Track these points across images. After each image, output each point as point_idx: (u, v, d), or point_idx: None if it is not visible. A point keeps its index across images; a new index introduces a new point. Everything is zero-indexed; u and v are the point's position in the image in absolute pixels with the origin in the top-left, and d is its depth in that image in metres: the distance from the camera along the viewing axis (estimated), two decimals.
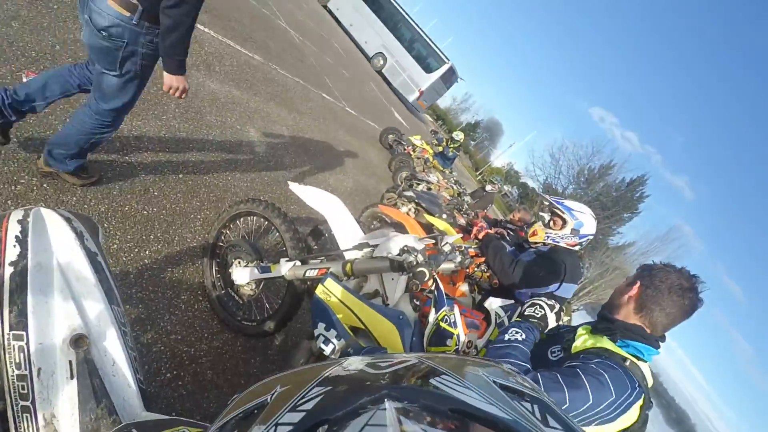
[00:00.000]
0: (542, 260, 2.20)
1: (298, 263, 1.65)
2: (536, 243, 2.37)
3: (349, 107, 8.10)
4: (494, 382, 0.41)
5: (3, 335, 0.62)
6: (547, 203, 2.35)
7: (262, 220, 1.93)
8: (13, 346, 0.62)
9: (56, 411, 0.61)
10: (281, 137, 4.24)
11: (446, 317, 1.44)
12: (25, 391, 0.61)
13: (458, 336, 1.40)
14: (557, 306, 1.29)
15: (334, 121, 6.49)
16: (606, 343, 1.17)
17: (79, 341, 0.66)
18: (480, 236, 2.42)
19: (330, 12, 16.69)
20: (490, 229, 2.71)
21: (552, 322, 1.26)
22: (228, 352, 1.88)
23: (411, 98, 16.80)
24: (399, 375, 0.40)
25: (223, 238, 2.04)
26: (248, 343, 1.99)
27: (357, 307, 1.41)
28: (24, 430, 0.59)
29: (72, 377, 0.63)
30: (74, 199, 1.84)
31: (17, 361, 0.62)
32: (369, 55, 16.90)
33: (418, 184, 6.35)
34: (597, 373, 1.05)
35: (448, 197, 5.95)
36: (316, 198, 1.80)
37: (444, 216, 4.24)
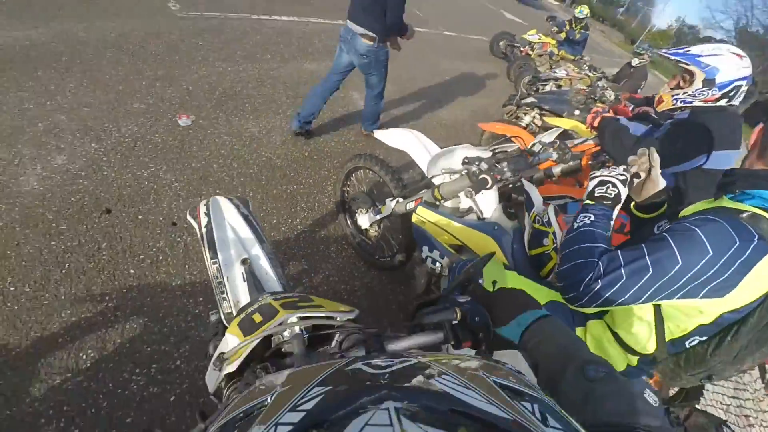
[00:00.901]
0: (675, 129, 1.83)
1: (400, 199, 1.89)
2: (670, 112, 2.01)
3: (447, 30, 7.64)
4: (494, 382, 0.40)
5: (208, 262, 1.14)
6: (670, 58, 1.94)
7: (367, 170, 2.23)
8: (213, 267, 1.13)
9: (238, 297, 1.07)
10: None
11: (538, 217, 1.49)
12: (222, 290, 1.10)
13: (554, 233, 1.43)
14: (627, 174, 1.16)
15: (433, 52, 6.29)
16: (721, 201, 0.97)
17: (244, 261, 1.12)
18: (595, 124, 2.17)
19: None
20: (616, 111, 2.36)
21: (624, 194, 1.15)
22: (377, 285, 2.30)
23: None
24: (399, 375, 0.40)
25: (345, 194, 2.43)
26: (389, 276, 2.38)
27: (450, 227, 1.58)
28: (223, 308, 1.08)
29: (244, 281, 1.09)
30: (240, 190, 2.48)
31: (216, 274, 1.12)
32: None
33: (544, 85, 5.72)
34: (685, 230, 0.90)
35: (585, 88, 5.23)
36: (395, 137, 1.97)
37: (577, 112, 3.83)
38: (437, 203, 1.73)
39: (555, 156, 1.73)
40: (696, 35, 34.48)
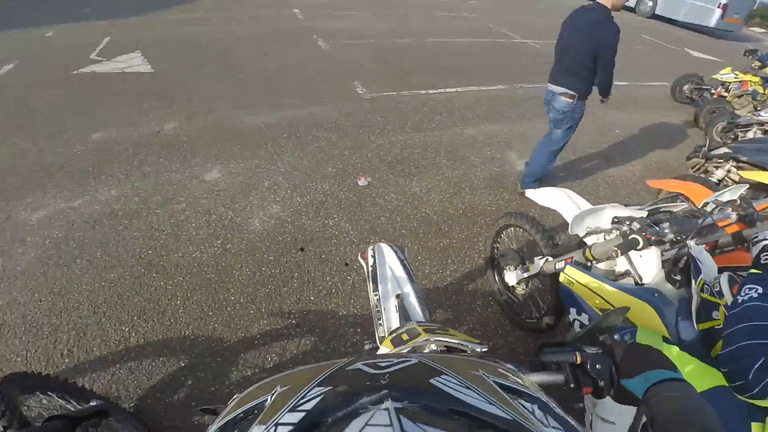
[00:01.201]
0: None
1: (550, 258, 1.88)
2: None
3: (617, 80, 7.15)
4: (494, 382, 0.40)
5: (371, 293, 1.37)
6: None
7: (517, 228, 2.29)
8: (374, 298, 1.36)
9: (391, 324, 1.27)
10: None
11: (707, 286, 1.30)
12: (379, 317, 1.31)
13: (726, 306, 1.24)
14: None
15: (598, 104, 5.96)
16: None
17: (398, 296, 1.33)
18: None
19: None
20: None
21: None
22: (520, 346, 2.25)
23: (712, 22, 12.52)
24: (399, 375, 0.40)
25: (495, 250, 2.51)
26: (535, 338, 2.29)
27: (601, 289, 1.50)
28: (378, 332, 1.28)
29: (396, 311, 1.28)
30: (401, 241, 2.81)
31: (376, 304, 1.34)
32: (632, 5, 14.29)
33: (745, 132, 4.77)
34: None
35: None
36: (547, 196, 1.99)
37: None
38: (589, 264, 1.68)
39: (734, 217, 1.51)
40: None
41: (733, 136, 4.74)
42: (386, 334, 1.30)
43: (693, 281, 1.36)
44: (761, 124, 4.64)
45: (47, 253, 2.67)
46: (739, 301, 0.97)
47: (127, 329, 2.24)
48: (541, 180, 3.47)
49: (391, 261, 1.48)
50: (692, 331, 1.33)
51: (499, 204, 3.38)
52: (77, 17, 7.94)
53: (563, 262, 1.74)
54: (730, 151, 3.41)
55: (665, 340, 1.27)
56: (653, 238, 1.34)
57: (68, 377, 1.98)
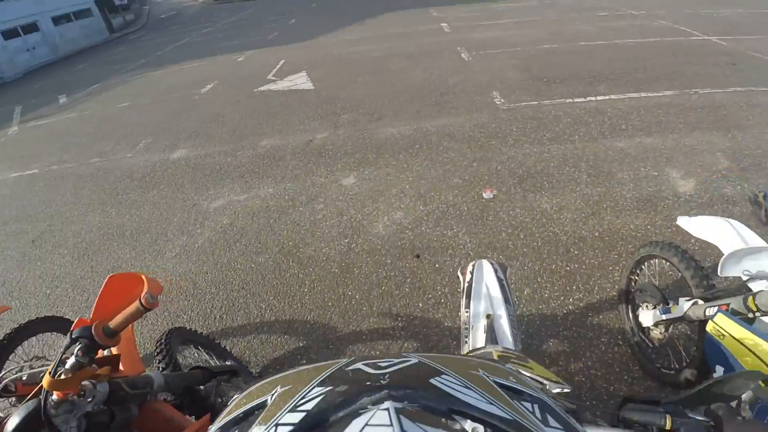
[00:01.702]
0: None
1: (700, 301, 1.55)
2: None
3: None
4: (494, 382, 0.40)
5: (462, 309, 1.38)
6: None
7: (663, 260, 1.94)
8: (464, 314, 1.36)
9: (476, 342, 1.26)
10: (714, 168, 3.62)
11: None
12: (466, 335, 1.31)
13: None
14: None
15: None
16: None
17: (488, 316, 1.31)
18: None
19: None
20: None
21: None
22: None
23: None
24: (399, 375, 0.40)
25: (633, 283, 2.17)
26: (668, 392, 1.90)
27: (758, 349, 1.17)
28: (462, 350, 1.28)
29: (484, 332, 1.26)
30: (520, 260, 2.66)
31: (465, 321, 1.34)
32: None
33: None
34: None
35: None
36: (704, 227, 1.63)
37: None
38: (751, 315, 1.34)
39: None
40: None
41: None
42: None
43: None
44: None
45: (217, 235, 3.35)
46: None
47: (264, 306, 2.67)
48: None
49: (489, 279, 1.45)
50: None
51: (647, 229, 2.89)
52: (263, 44, 9.72)
53: (716, 308, 1.43)
54: None
55: None
56: None
57: (216, 338, 2.48)
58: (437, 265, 2.71)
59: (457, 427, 0.32)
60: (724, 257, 1.33)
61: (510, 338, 1.25)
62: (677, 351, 1.83)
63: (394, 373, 0.41)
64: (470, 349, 1.26)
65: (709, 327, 1.37)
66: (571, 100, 4.85)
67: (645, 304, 1.92)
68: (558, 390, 0.87)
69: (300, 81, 6.68)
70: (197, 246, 3.28)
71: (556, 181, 3.43)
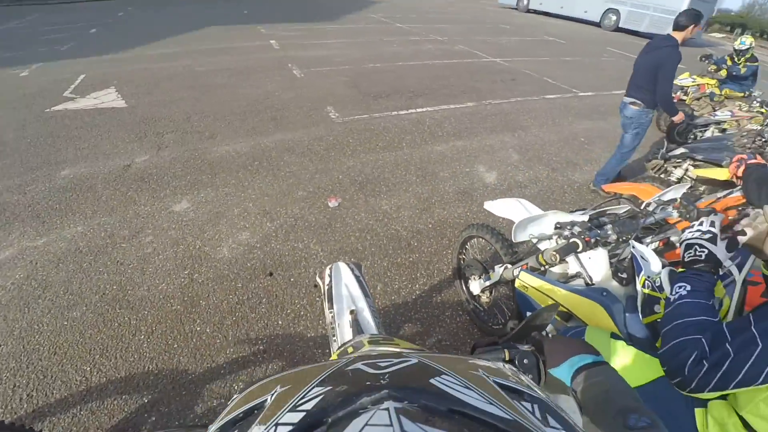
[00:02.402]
0: None
1: (508, 266, 1.91)
2: None
3: (582, 91, 7.43)
4: (494, 382, 0.41)
5: (326, 311, 1.39)
6: None
7: (480, 239, 2.32)
8: (329, 316, 1.37)
9: (344, 339, 1.26)
10: (508, 161, 4.53)
11: (648, 282, 1.34)
12: (334, 333, 1.32)
13: (667, 299, 1.27)
14: (715, 229, 1.00)
15: (567, 114, 6.15)
16: None
17: (352, 312, 1.34)
18: (739, 173, 1.85)
19: (534, 11, 16.32)
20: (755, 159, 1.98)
21: (722, 253, 0.99)
22: None
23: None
24: (399, 375, 0.40)
25: (461, 261, 2.53)
26: None
27: (554, 292, 1.53)
28: (333, 348, 1.26)
29: (350, 327, 1.28)
30: (370, 259, 2.82)
31: (331, 321, 1.36)
32: (597, 20, 15.17)
33: (703, 132, 4.97)
34: None
35: (756, 127, 4.36)
36: (502, 207, 2.04)
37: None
38: (543, 269, 1.71)
39: (675, 215, 1.56)
40: None
41: (692, 137, 4.94)
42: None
43: (636, 278, 1.40)
44: (718, 123, 4.85)
45: (9, 295, 2.61)
46: (671, 300, 1.01)
47: (88, 368, 2.18)
48: (610, 180, 3.94)
49: (347, 278, 1.50)
50: (639, 326, 1.36)
51: (467, 216, 3.42)
52: (55, 56, 8.01)
53: (519, 268, 1.77)
54: (687, 150, 3.55)
55: (613, 336, 1.30)
56: (593, 240, 1.38)
57: (27, 423, 1.92)
58: (292, 279, 2.66)
59: (457, 427, 0.32)
60: (514, 227, 1.66)
61: (374, 327, 1.33)
62: (501, 309, 2.21)
63: (393, 373, 0.41)
64: (339, 345, 1.27)
65: (517, 284, 1.70)
66: (397, 113, 5.41)
67: (473, 277, 2.26)
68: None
69: (108, 98, 5.72)
70: None
71: (392, 184, 3.76)
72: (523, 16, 17.12)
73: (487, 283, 2.06)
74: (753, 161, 1.79)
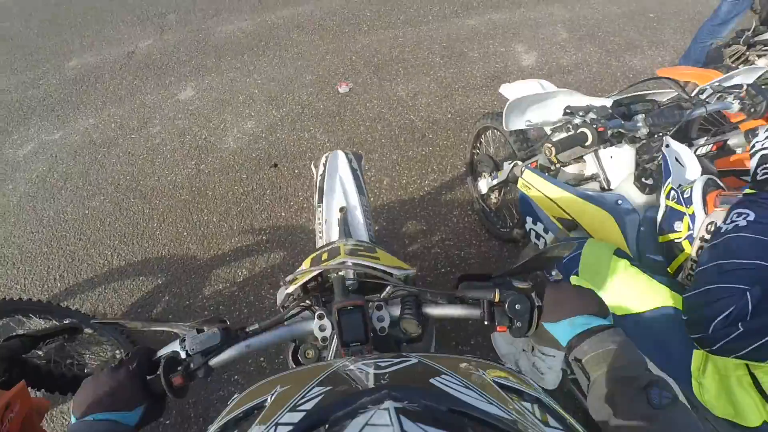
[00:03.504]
0: None
1: (519, 162, 1.68)
2: None
3: None
4: (494, 382, 0.40)
5: (315, 205, 1.30)
6: None
7: (495, 130, 2.04)
8: (317, 210, 1.29)
9: (330, 237, 1.21)
10: (554, 40, 3.84)
11: (673, 192, 1.09)
12: (320, 230, 1.25)
13: (692, 216, 1.03)
14: None
15: None
16: None
17: (342, 209, 1.24)
18: None
19: None
20: None
21: None
22: (494, 256, 2.14)
23: None
24: (399, 375, 0.40)
25: (474, 156, 2.30)
26: (512, 249, 2.16)
27: (559, 197, 1.31)
28: (319, 246, 1.20)
29: (338, 225, 1.21)
30: (379, 151, 2.64)
31: (318, 216, 1.27)
32: None
33: None
34: None
35: None
36: (518, 90, 1.71)
37: None
38: (554, 167, 1.47)
39: (736, 108, 1.22)
40: None
41: None
42: None
43: (663, 186, 1.15)
44: None
45: (35, 187, 2.73)
46: (723, 229, 0.76)
47: (110, 253, 2.33)
48: (702, 62, 3.13)
49: (342, 171, 1.34)
50: (654, 244, 1.16)
51: (493, 106, 3.04)
52: None
53: (527, 165, 1.55)
54: None
55: (617, 252, 1.11)
56: (609, 132, 1.10)
57: (60, 301, 2.13)
58: (296, 171, 2.57)
59: (457, 427, 0.31)
60: (505, 108, 1.37)
61: (364, 230, 1.23)
62: (511, 212, 2.03)
63: (394, 373, 0.40)
64: (323, 243, 1.21)
65: (520, 183, 1.49)
66: None
67: (483, 173, 2.06)
68: (404, 274, 0.86)
69: None
70: (12, 205, 2.64)
71: (411, 66, 3.34)
72: None
73: (495, 182, 1.86)
74: None
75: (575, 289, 0.63)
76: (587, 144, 1.07)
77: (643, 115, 1.18)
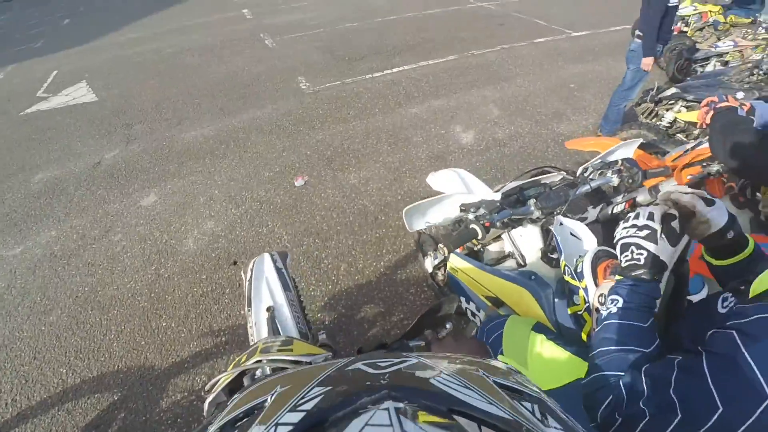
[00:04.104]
0: None
1: (442, 247, 1.82)
2: None
3: (576, 31, 6.92)
4: (494, 382, 0.40)
5: (245, 309, 1.29)
6: None
7: None
8: (247, 314, 1.28)
9: (259, 336, 1.19)
10: (488, 118, 4.30)
11: (567, 268, 1.22)
12: (252, 333, 1.23)
13: (586, 288, 1.11)
14: (654, 224, 0.78)
15: (556, 59, 5.77)
16: None
17: (269, 309, 1.25)
18: (708, 120, 1.61)
19: None
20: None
21: (666, 252, 0.77)
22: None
23: None
24: (399, 375, 0.40)
25: (420, 235, 2.46)
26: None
27: (481, 277, 1.43)
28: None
29: (266, 326, 1.20)
30: (335, 238, 2.77)
31: (248, 320, 1.27)
32: None
33: (704, 66, 4.58)
34: (730, 347, 0.58)
35: (759, 56, 3.98)
36: (442, 180, 1.92)
37: (740, 95, 3.00)
38: (476, 248, 1.62)
39: (615, 180, 1.43)
40: None
41: (694, 73, 4.56)
42: None
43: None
44: (719, 55, 4.44)
45: None
46: (602, 315, 0.81)
47: (64, 370, 2.26)
48: (620, 123, 3.74)
49: (268, 271, 1.39)
50: (566, 314, 1.22)
51: None
52: (28, 55, 7.87)
53: (455, 250, 1.69)
54: (678, 90, 3.28)
55: (535, 328, 1.17)
56: (498, 222, 1.25)
57: (9, 428, 2.03)
58: None
59: (457, 427, 0.31)
60: (403, 213, 1.52)
61: (292, 324, 1.25)
62: None
63: (394, 373, 0.40)
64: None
65: (449, 267, 1.62)
66: (371, 75, 5.16)
67: (429, 252, 2.20)
68: (309, 360, 0.89)
69: (79, 93, 5.62)
70: None
71: (362, 155, 3.64)
72: None
73: (437, 261, 2.00)
74: (723, 104, 1.53)
75: (464, 340, 0.69)
76: (479, 238, 1.21)
77: (534, 199, 1.36)
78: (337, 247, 2.74)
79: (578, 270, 1.19)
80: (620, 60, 5.80)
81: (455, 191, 1.81)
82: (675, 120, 3.30)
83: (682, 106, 3.25)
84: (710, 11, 5.31)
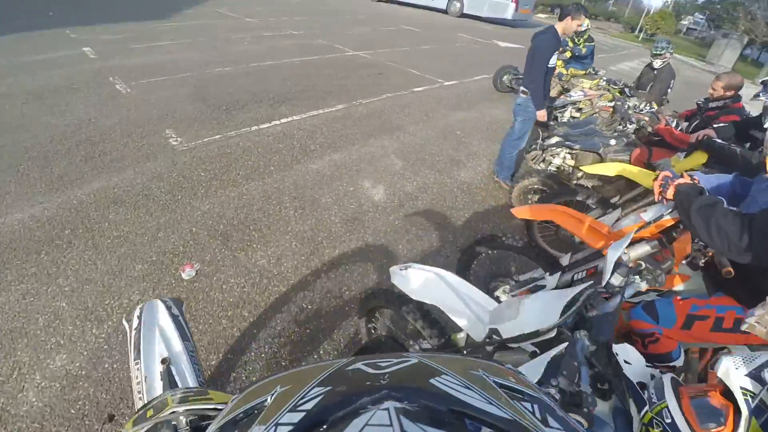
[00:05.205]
0: None
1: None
2: None
3: (446, 81, 7.51)
4: (494, 382, 0.41)
5: (131, 363, 1.15)
6: None
7: (389, 309, 1.84)
8: (134, 368, 1.13)
9: (153, 393, 1.04)
10: (393, 170, 4.15)
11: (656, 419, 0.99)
12: (140, 390, 1.08)
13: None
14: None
15: (438, 107, 6.07)
16: None
17: (164, 360, 1.10)
18: (668, 196, 1.49)
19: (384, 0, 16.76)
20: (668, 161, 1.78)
21: None
22: None
23: (509, 15, 15.00)
24: (399, 375, 0.40)
25: (372, 333, 2.04)
26: None
27: None
28: (140, 406, 0.95)
29: (161, 380, 1.07)
30: (254, 345, 2.14)
31: (137, 375, 1.12)
32: (443, 7, 16.32)
33: (562, 113, 5.30)
34: None
35: (609, 104, 4.74)
36: (419, 282, 1.57)
37: (612, 142, 3.37)
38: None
39: (643, 285, 1.25)
40: (694, 2, 35.41)
41: (553, 119, 5.22)
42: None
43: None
44: (573, 103, 5.19)
45: None
46: None
47: None
48: (513, 170, 4.07)
49: (162, 319, 1.25)
50: None
51: (363, 251, 2.94)
52: None
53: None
54: (561, 138, 3.58)
55: None
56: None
57: None
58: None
59: (457, 427, 0.31)
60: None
61: (192, 376, 1.12)
62: None
63: (394, 373, 0.40)
64: (144, 403, 1.03)
65: None
66: (257, 127, 4.61)
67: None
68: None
69: None
70: None
71: (265, 226, 3.06)
72: (376, 6, 17.06)
73: None
74: (681, 181, 1.52)
75: None
76: None
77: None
78: (257, 360, 2.12)
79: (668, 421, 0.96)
80: (490, 107, 6.44)
81: (441, 304, 1.49)
82: (561, 165, 3.61)
83: (567, 152, 3.57)
84: (556, 66, 6.30)
